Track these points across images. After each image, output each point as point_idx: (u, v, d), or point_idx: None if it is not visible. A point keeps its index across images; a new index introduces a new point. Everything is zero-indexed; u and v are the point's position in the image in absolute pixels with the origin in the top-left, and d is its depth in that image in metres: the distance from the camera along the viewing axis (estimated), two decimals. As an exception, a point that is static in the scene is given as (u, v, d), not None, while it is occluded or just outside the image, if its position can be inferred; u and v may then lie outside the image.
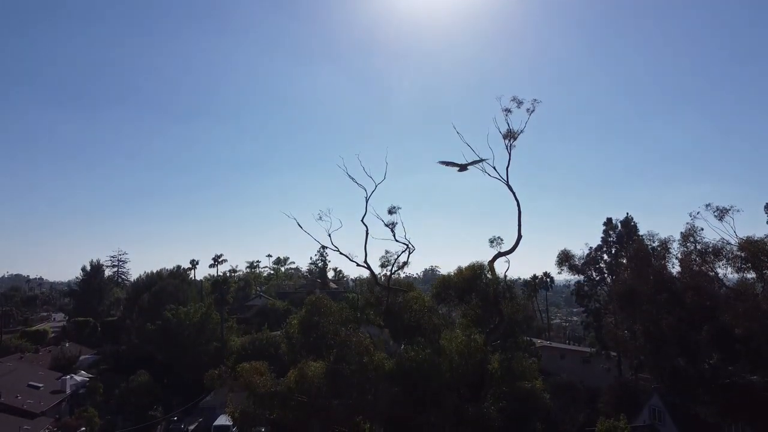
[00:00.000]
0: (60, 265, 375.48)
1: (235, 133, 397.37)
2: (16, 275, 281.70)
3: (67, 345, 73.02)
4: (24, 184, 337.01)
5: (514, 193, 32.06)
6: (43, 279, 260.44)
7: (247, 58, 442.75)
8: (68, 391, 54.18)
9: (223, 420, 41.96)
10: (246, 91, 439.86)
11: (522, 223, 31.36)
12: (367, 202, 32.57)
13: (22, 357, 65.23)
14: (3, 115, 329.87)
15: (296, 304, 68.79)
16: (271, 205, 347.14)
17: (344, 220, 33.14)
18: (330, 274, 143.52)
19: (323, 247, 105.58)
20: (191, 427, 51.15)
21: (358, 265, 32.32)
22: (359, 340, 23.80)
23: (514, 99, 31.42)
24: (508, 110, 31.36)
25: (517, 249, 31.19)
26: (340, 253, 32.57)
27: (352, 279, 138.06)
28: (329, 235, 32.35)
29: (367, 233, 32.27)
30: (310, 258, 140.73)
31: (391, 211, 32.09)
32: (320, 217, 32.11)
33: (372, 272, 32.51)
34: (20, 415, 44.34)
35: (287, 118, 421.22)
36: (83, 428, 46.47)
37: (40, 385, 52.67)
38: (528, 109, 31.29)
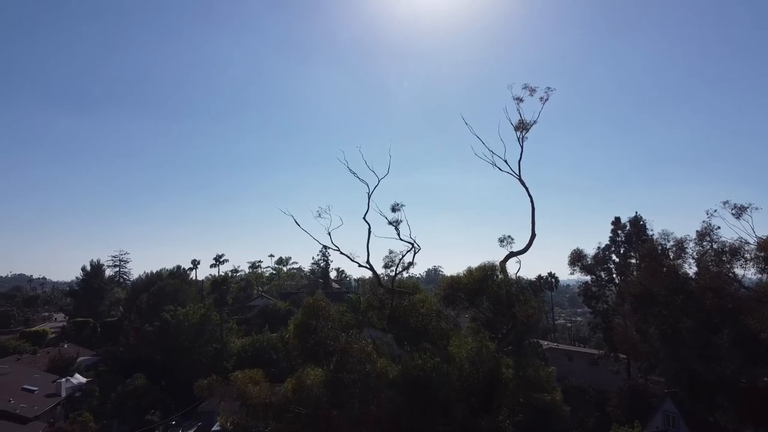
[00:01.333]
0: (63, 264, 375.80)
1: (236, 132, 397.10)
2: (19, 275, 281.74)
3: (65, 346, 71.90)
4: (28, 183, 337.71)
5: (527, 189, 30.43)
6: (45, 279, 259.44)
7: (247, 57, 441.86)
8: (63, 394, 52.84)
9: (221, 425, 40.71)
10: (246, 91, 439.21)
11: (536, 221, 29.89)
12: (369, 198, 30.85)
13: (19, 359, 64.09)
14: (3, 115, 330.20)
15: (298, 305, 67.34)
16: (273, 205, 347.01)
17: (345, 218, 31.36)
18: (332, 274, 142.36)
19: (324, 247, 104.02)
20: (189, 432, 49.92)
21: (360, 265, 30.57)
22: (361, 347, 22.23)
23: (526, 87, 29.80)
24: (519, 99, 29.71)
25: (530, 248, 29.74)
26: (341, 253, 30.67)
27: (355, 279, 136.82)
28: (329, 234, 30.44)
29: (369, 232, 30.49)
30: (313, 258, 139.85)
31: (394, 209, 30.27)
32: (319, 215, 30.13)
33: (375, 273, 30.83)
34: (13, 420, 43.18)
35: (288, 117, 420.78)
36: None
37: (35, 388, 51.39)
38: (541, 98, 29.62)
